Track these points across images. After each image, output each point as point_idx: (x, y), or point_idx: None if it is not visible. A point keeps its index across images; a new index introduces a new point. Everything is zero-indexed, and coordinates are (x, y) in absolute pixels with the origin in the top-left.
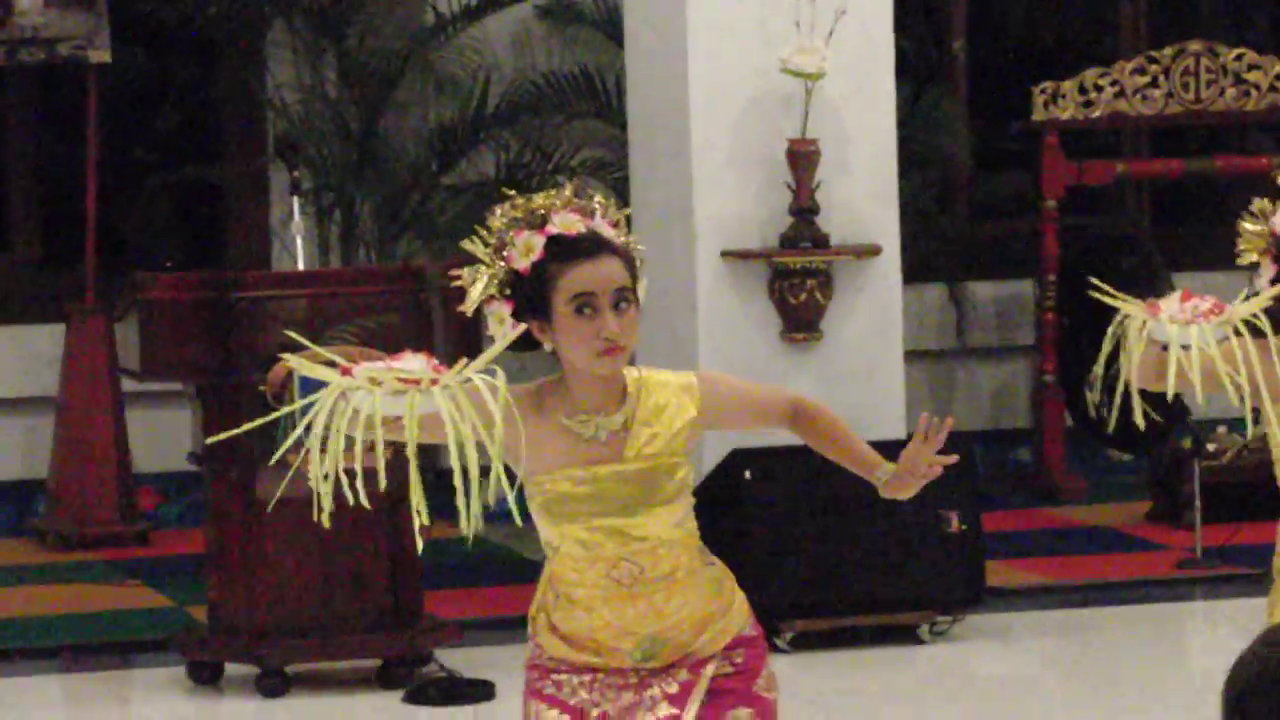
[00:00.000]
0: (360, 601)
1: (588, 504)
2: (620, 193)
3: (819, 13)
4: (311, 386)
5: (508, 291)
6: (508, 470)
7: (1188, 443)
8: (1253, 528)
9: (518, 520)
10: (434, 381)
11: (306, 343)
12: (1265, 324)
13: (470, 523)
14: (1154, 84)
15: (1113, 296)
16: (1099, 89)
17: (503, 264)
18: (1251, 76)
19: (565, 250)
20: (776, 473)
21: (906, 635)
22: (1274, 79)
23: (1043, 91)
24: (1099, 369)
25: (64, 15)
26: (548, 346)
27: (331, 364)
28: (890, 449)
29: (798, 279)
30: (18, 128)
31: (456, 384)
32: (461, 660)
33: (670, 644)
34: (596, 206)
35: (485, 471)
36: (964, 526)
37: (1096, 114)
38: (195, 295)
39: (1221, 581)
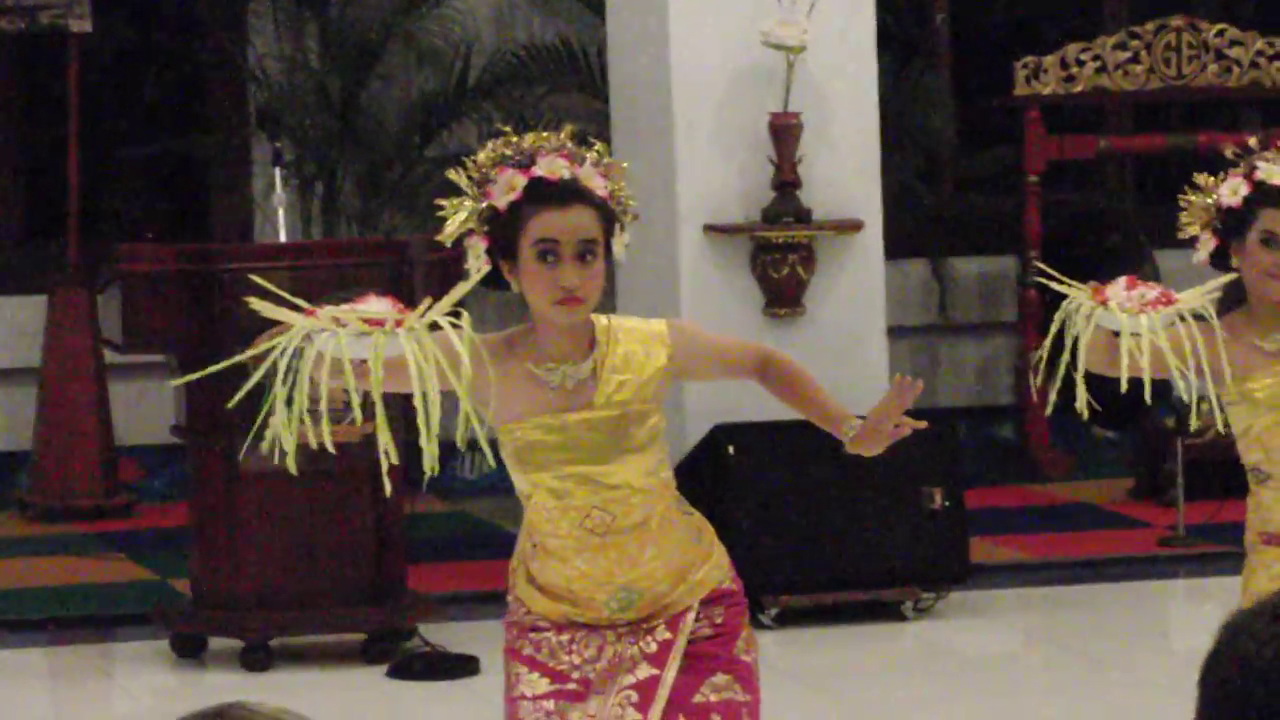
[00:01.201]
0: (344, 575)
1: (558, 452)
2: None
3: None
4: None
5: (486, 227)
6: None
7: (1170, 420)
8: (1235, 505)
9: (490, 461)
10: (399, 323)
11: (281, 316)
12: (1209, 310)
13: (431, 463)
14: (1135, 59)
15: (1059, 282)
16: (1081, 64)
17: (484, 199)
18: (1233, 53)
19: (540, 194)
20: (759, 448)
21: (890, 611)
22: (1255, 55)
23: (1025, 66)
24: (1043, 352)
25: None
26: (515, 288)
27: (295, 308)
28: None
29: (780, 254)
30: None
31: (421, 326)
32: (445, 635)
33: (646, 594)
34: (588, 154)
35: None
36: (947, 503)
37: (1078, 89)
38: (177, 267)
39: (1204, 559)
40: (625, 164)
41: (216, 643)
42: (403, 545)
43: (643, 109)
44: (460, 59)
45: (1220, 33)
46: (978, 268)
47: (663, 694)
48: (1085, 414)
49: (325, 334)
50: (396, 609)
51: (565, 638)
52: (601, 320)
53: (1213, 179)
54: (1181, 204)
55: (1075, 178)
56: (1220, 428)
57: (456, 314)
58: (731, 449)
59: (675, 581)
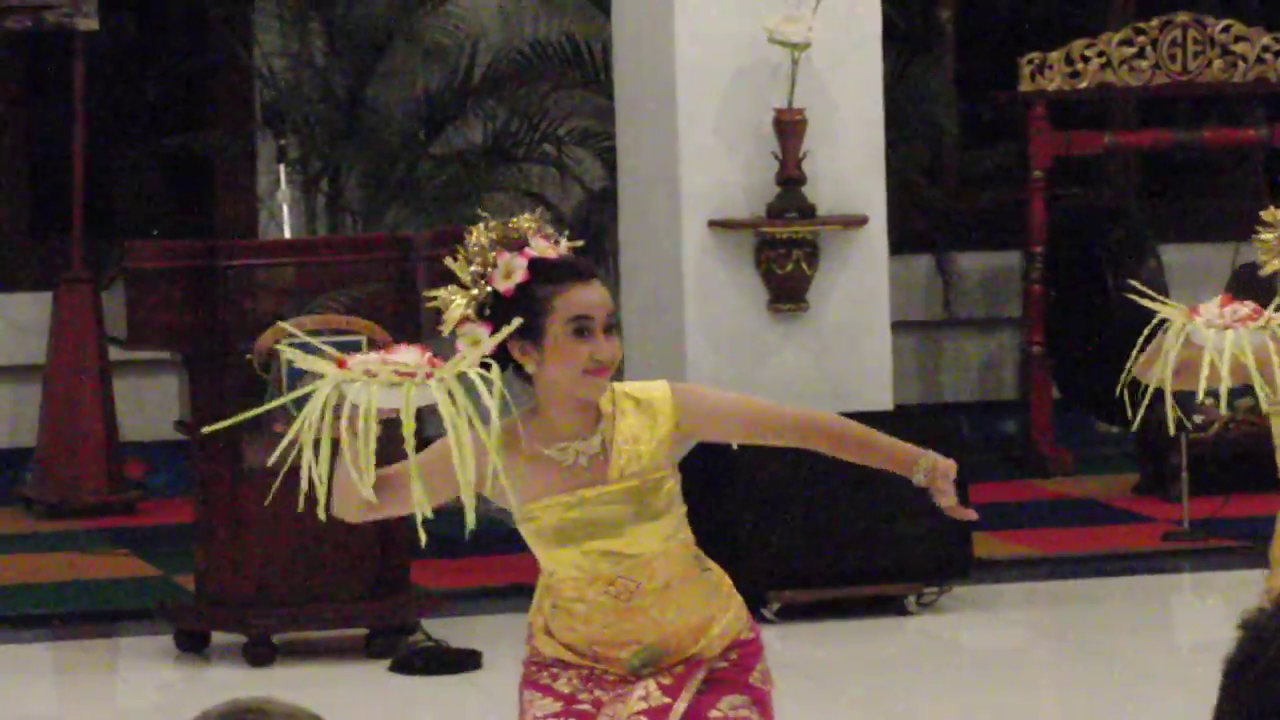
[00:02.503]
0: (347, 571)
1: (580, 529)
2: (607, 162)
3: None
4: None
5: (487, 312)
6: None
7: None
8: (1240, 500)
9: (516, 513)
10: (429, 375)
11: (291, 329)
12: None
13: (471, 518)
14: (1141, 55)
15: (1153, 300)
16: (1086, 60)
17: (485, 285)
18: (1238, 48)
19: (559, 273)
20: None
21: (893, 606)
22: (1261, 50)
23: (1030, 62)
24: (1131, 366)
25: None
26: (530, 369)
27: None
28: (876, 420)
29: (784, 249)
30: (4, 96)
31: (452, 377)
32: (448, 630)
33: (669, 653)
34: (560, 237)
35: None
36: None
37: (1084, 85)
38: (182, 264)
39: (1208, 553)
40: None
41: (220, 638)
42: (405, 540)
43: (647, 105)
44: (465, 56)
45: (1226, 28)
46: (982, 263)
47: (674, 717)
48: (1173, 431)
49: (357, 385)
50: (399, 604)
51: (584, 672)
52: (606, 390)
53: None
54: (1255, 243)
55: (1080, 173)
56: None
57: (487, 365)
58: (735, 444)
59: (697, 636)
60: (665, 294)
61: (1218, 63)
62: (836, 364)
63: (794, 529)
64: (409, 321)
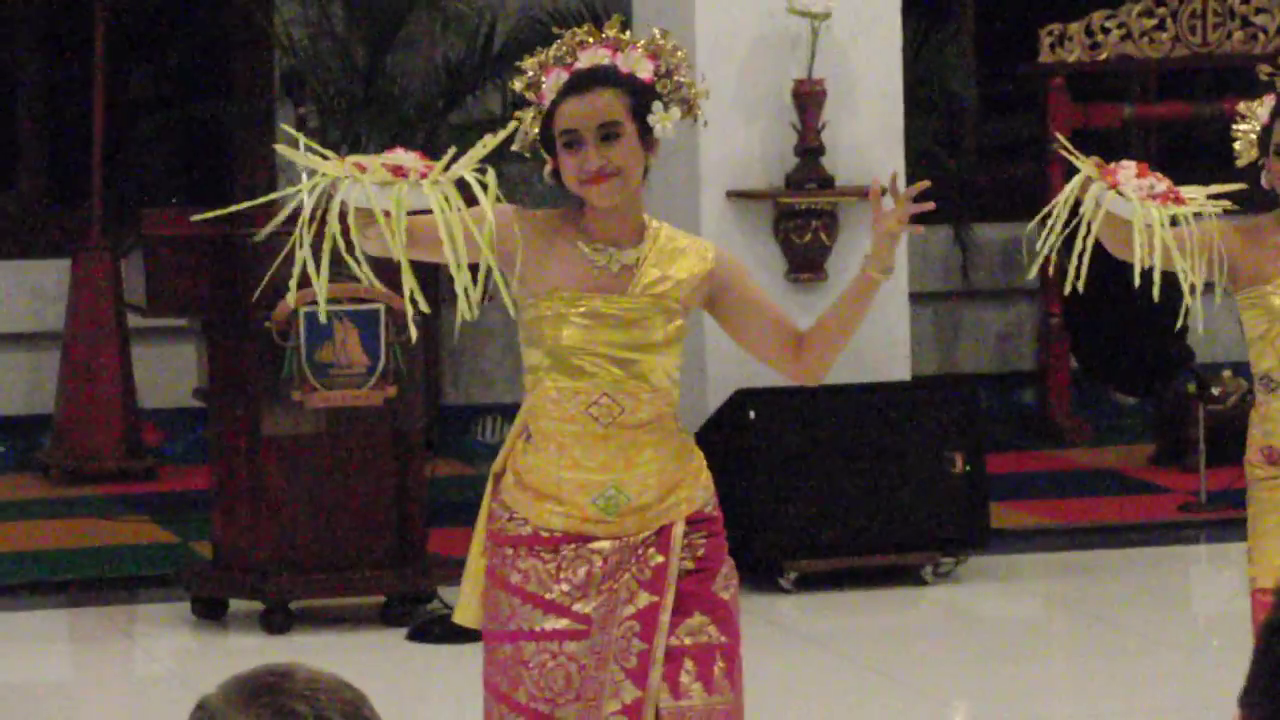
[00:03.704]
0: (364, 539)
1: (584, 327)
2: None
3: None
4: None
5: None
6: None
7: (1192, 387)
8: None
9: (510, 309)
10: (423, 175)
11: (308, 161)
12: (1213, 215)
13: (470, 310)
14: (1161, 27)
15: (1071, 154)
16: (1106, 31)
17: (539, 102)
18: (1259, 19)
19: (566, 87)
20: (781, 413)
21: (910, 576)
22: None
23: (1049, 34)
24: (1042, 217)
25: None
26: (563, 179)
27: (324, 157)
28: (895, 391)
29: (803, 219)
30: (25, 64)
31: (446, 179)
32: None
33: (632, 501)
34: (639, 41)
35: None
36: (968, 468)
37: (1103, 56)
38: (201, 232)
39: (1225, 525)
40: (680, 50)
41: (237, 605)
42: (423, 509)
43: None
44: (485, 25)
45: (1246, 0)
46: (1000, 234)
47: (664, 619)
48: (1069, 289)
49: (349, 181)
50: (416, 572)
51: (551, 566)
52: (654, 221)
53: (1254, 103)
54: (1234, 134)
55: (1099, 145)
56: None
57: (483, 170)
58: (753, 413)
59: (664, 492)
60: None
61: (1238, 34)
62: (855, 334)
63: (810, 499)
64: (430, 288)
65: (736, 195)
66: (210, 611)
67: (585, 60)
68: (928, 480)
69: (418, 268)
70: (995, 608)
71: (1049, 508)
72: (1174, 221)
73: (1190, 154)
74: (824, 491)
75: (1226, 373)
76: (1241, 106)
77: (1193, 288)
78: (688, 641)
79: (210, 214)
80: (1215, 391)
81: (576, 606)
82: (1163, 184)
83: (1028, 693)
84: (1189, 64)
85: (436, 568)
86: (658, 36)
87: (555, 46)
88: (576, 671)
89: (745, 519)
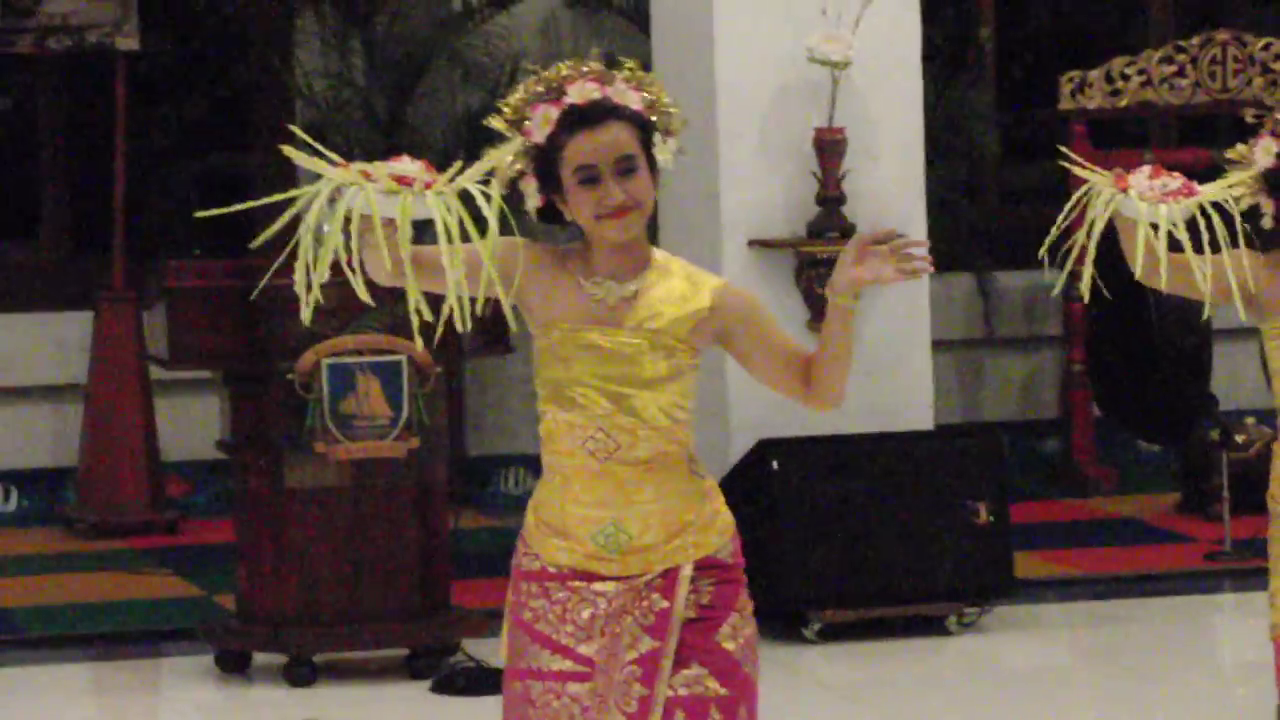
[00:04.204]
0: (388, 591)
1: (580, 360)
2: None
3: (846, 0)
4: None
5: (533, 165)
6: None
7: (1215, 434)
8: None
9: (513, 325)
10: (428, 185)
11: (314, 166)
12: (1233, 206)
13: (464, 324)
14: (1181, 73)
15: (1081, 166)
16: (1126, 78)
17: (523, 139)
18: (1279, 66)
19: (572, 120)
20: (804, 462)
21: (934, 626)
22: None
23: (1070, 80)
24: (1056, 230)
25: (92, 3)
26: (569, 217)
27: (331, 163)
28: (918, 440)
29: (824, 268)
30: (47, 115)
31: (450, 190)
32: (489, 650)
33: (635, 540)
34: (618, 73)
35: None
36: (992, 517)
37: (1124, 103)
38: (223, 283)
39: (1250, 574)
40: (656, 79)
41: (261, 658)
42: (447, 561)
43: (688, 123)
44: (505, 76)
45: (1266, 46)
46: (1022, 281)
47: (666, 665)
48: (1086, 297)
49: (354, 189)
50: (441, 624)
51: (558, 607)
52: (661, 253)
53: (1244, 147)
54: (1229, 181)
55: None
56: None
57: (486, 182)
58: (776, 463)
59: (669, 535)
60: None
61: (1258, 80)
62: (877, 383)
63: (834, 549)
64: (449, 340)
65: (758, 244)
66: (234, 665)
67: (576, 94)
68: (951, 530)
69: (433, 303)
70: (1020, 657)
71: (1073, 557)
72: (1192, 227)
73: None
74: (847, 541)
75: (1250, 420)
76: (1232, 152)
77: (1216, 299)
78: (682, 693)
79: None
80: (1239, 439)
81: (580, 648)
82: (1176, 181)
83: None
84: (1209, 110)
85: (460, 620)
86: (632, 67)
87: (536, 81)
88: (579, 713)
89: (768, 569)
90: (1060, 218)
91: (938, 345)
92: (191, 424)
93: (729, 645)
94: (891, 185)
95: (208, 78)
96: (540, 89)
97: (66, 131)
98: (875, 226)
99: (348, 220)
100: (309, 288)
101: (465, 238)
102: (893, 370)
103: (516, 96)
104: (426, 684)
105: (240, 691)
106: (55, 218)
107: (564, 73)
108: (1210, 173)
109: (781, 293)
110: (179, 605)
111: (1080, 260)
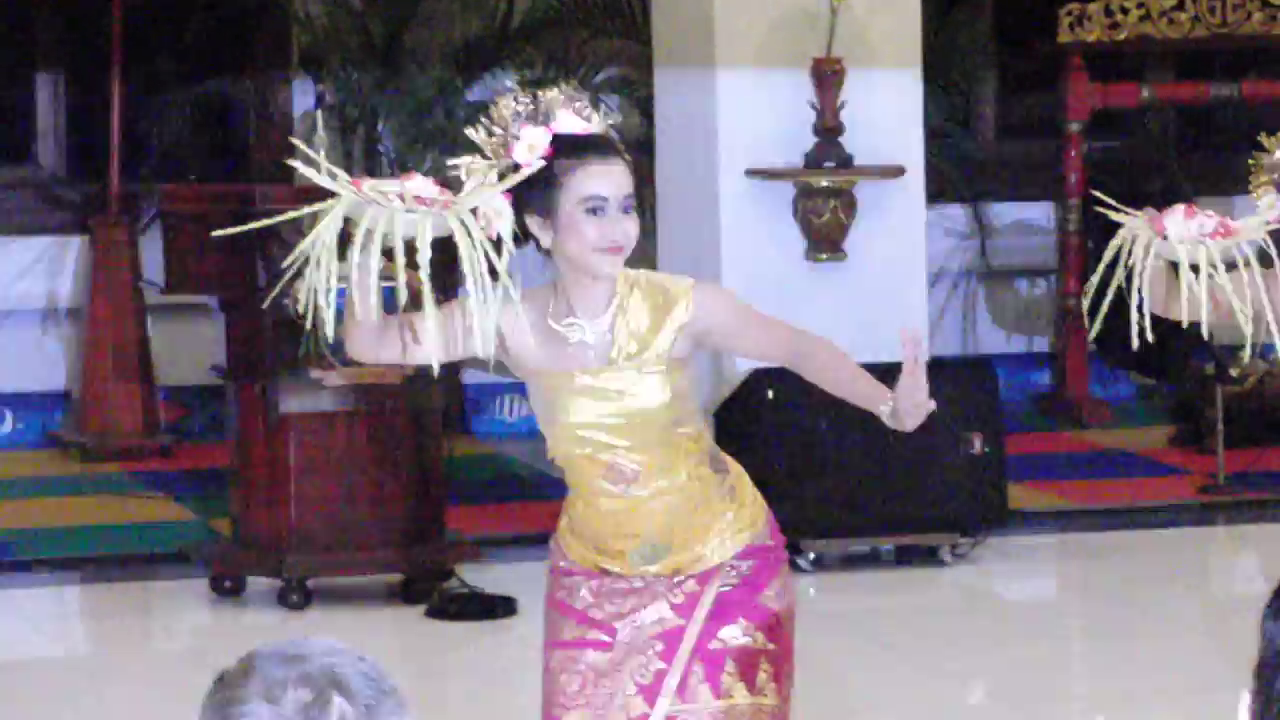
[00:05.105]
0: (383, 516)
1: (576, 405)
2: (644, 111)
3: None
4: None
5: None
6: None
7: (1210, 368)
8: (1276, 453)
9: (490, 370)
10: (445, 204)
11: (328, 185)
12: (1271, 248)
13: (487, 343)
14: (1180, 7)
15: (1117, 210)
16: (1125, 11)
17: (506, 157)
18: (1279, 1)
19: (577, 149)
20: (799, 392)
21: (928, 556)
22: None
23: (1068, 13)
24: (1095, 279)
25: None
26: (544, 242)
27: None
28: None
29: (821, 198)
30: (42, 41)
31: (465, 208)
32: (483, 576)
33: (673, 550)
34: (593, 112)
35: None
36: (986, 449)
37: (1122, 36)
38: (218, 208)
39: (1244, 506)
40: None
41: (255, 582)
42: (442, 487)
43: (685, 54)
44: (503, 3)
45: None
46: (1018, 213)
47: (687, 645)
48: (1137, 343)
49: (372, 210)
50: (435, 550)
51: (593, 583)
52: (625, 273)
53: (1276, 137)
54: (1250, 165)
55: (1117, 125)
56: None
57: (498, 200)
58: (771, 393)
59: (704, 536)
60: (703, 243)
61: (1257, 15)
62: (872, 314)
63: (830, 479)
64: (445, 266)
65: (755, 174)
66: (228, 589)
67: (564, 122)
68: (946, 461)
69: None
70: (1013, 588)
71: (1067, 489)
72: (1231, 266)
73: (1207, 134)
74: (842, 472)
75: (1244, 353)
76: (1265, 139)
77: (1254, 327)
78: (733, 645)
79: (229, 231)
80: (1233, 373)
81: (602, 618)
82: (1212, 220)
83: (1044, 672)
84: (1208, 44)
85: (454, 546)
86: (598, 112)
87: (519, 102)
88: (593, 681)
89: (763, 499)
90: (1100, 265)
91: (934, 277)
92: (186, 349)
93: (774, 605)
94: (889, 116)
95: (205, 3)
96: (526, 109)
97: (63, 56)
98: (872, 159)
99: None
100: (319, 307)
101: (483, 255)
102: (888, 300)
103: (500, 110)
104: (420, 609)
105: (234, 615)
106: (51, 142)
107: (550, 97)
108: (1207, 108)
109: (779, 222)
110: (173, 529)
111: (1101, 299)
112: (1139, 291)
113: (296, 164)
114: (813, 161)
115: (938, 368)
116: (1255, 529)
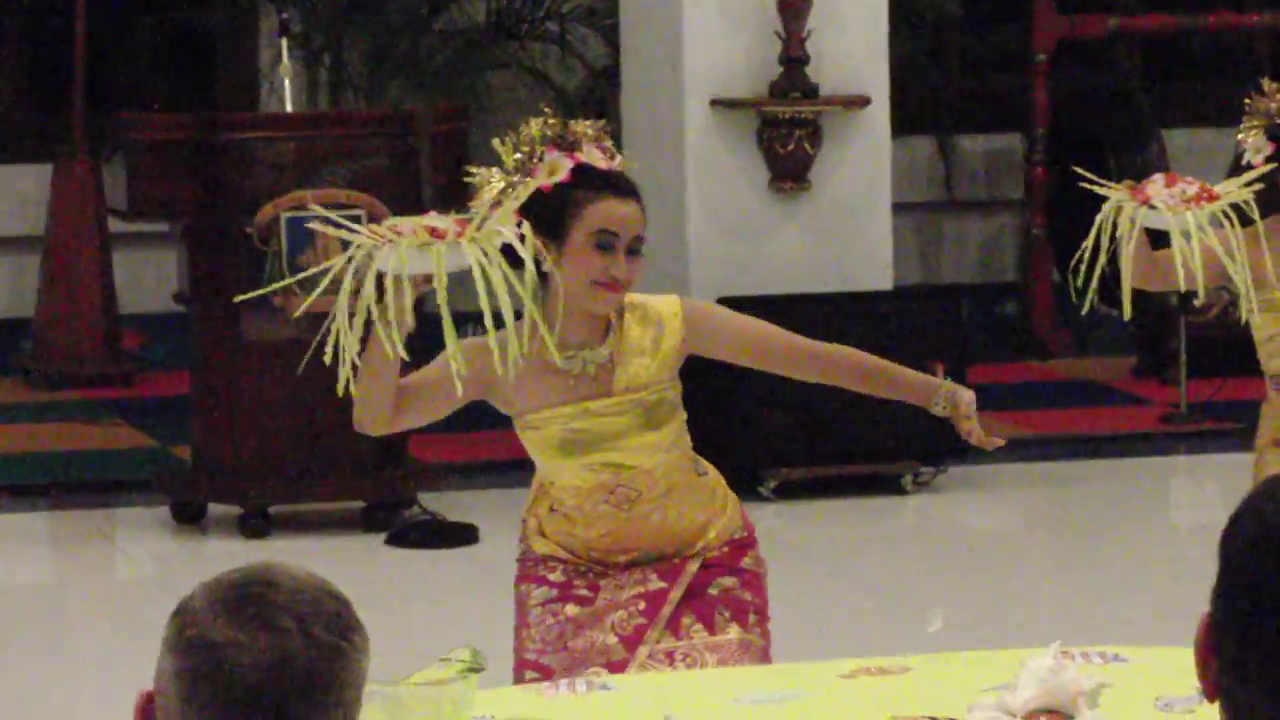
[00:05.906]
0: (345, 444)
1: (583, 440)
2: (610, 40)
3: None
4: (298, 229)
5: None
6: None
7: (1174, 299)
8: (1237, 383)
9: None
10: (460, 234)
11: (344, 235)
12: (1254, 210)
13: (511, 368)
14: None
15: (1099, 185)
16: None
17: (525, 176)
18: None
19: (597, 181)
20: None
21: (889, 485)
22: None
23: None
24: (1084, 254)
25: None
26: (546, 267)
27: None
28: (877, 300)
29: (786, 129)
30: None
31: (483, 235)
32: (445, 504)
33: (666, 557)
34: (617, 154)
35: (517, 316)
36: (949, 378)
37: None
38: (182, 136)
39: (1205, 436)
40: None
41: (216, 509)
42: None
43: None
44: None
45: None
46: (984, 145)
47: (667, 609)
48: (1128, 315)
49: (385, 248)
50: (396, 477)
51: (581, 567)
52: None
53: (1278, 85)
54: (1245, 105)
55: (1084, 56)
56: (1244, 316)
57: (518, 224)
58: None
59: (694, 540)
60: (667, 172)
61: None
62: (837, 244)
63: (790, 408)
64: (410, 197)
65: (720, 104)
66: (189, 516)
67: (589, 155)
68: None
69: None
70: (975, 517)
71: (1030, 418)
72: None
73: (1175, 66)
74: (804, 400)
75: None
76: (1267, 84)
77: (1246, 287)
78: (721, 594)
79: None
80: (1197, 304)
81: (583, 584)
82: (1193, 187)
83: (1006, 601)
84: None
85: (417, 473)
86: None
87: (548, 125)
88: (572, 632)
89: (725, 427)
90: (1087, 241)
91: (898, 208)
92: (149, 277)
93: (754, 569)
94: (855, 47)
95: None
96: (551, 134)
97: None
98: (838, 89)
99: (379, 284)
100: (343, 362)
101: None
102: (853, 231)
103: (528, 131)
104: (382, 536)
105: (195, 542)
106: (12, 70)
107: (579, 129)
108: (1174, 38)
109: (743, 152)
110: (135, 456)
111: (1092, 273)
112: (1126, 262)
113: (314, 223)
114: (778, 91)
115: (902, 298)
116: (1216, 458)
